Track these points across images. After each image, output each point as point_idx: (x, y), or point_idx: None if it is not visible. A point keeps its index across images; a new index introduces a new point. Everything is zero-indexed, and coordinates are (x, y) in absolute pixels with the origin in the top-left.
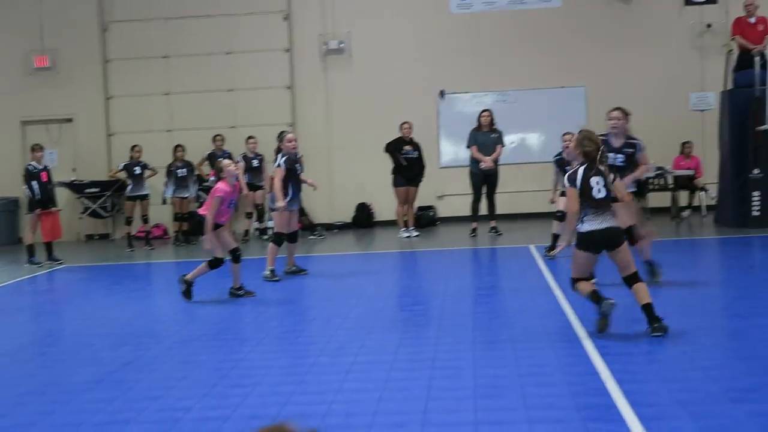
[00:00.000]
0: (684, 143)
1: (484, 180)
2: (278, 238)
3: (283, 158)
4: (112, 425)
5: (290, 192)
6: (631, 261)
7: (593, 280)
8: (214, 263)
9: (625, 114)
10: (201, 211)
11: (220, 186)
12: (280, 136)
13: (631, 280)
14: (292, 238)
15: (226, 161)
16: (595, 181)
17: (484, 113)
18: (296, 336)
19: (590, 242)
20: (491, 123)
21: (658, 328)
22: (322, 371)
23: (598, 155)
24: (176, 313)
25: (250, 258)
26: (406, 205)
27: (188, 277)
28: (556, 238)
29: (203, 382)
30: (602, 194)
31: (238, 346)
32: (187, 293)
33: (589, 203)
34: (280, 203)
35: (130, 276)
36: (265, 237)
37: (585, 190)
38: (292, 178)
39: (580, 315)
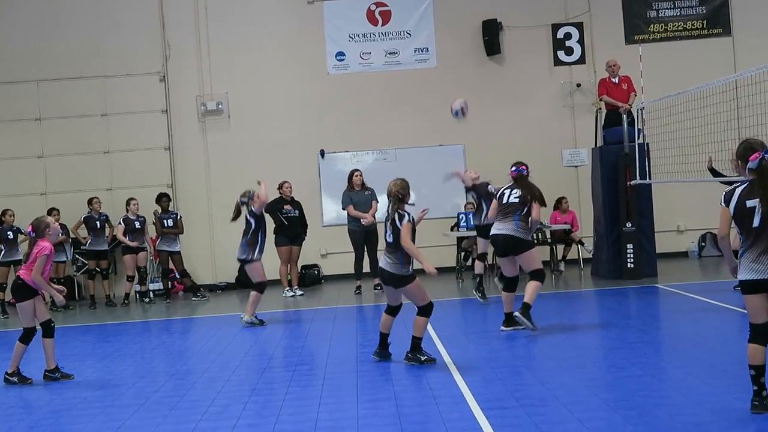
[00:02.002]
0: (560, 198)
1: (365, 238)
2: (262, 286)
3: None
4: None
5: (260, 240)
6: (415, 300)
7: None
8: (27, 336)
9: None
10: (23, 274)
11: (46, 244)
12: (249, 195)
13: (391, 311)
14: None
15: (51, 218)
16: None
17: (356, 173)
18: (177, 400)
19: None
20: (363, 182)
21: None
22: None
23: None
24: (51, 382)
25: (132, 321)
26: (289, 264)
27: (10, 371)
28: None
29: None
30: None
31: (116, 413)
32: (22, 379)
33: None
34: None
35: (3, 344)
36: (146, 300)
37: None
38: (262, 229)
39: (461, 369)
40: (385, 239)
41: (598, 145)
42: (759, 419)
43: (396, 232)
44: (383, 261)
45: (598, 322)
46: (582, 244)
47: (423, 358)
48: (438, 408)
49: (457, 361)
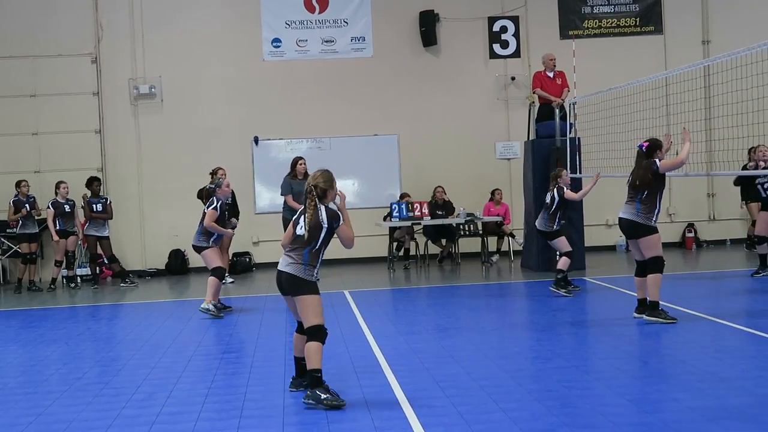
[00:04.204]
0: (493, 190)
1: None
2: (219, 272)
3: (219, 202)
4: None
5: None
6: (307, 316)
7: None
8: None
9: None
10: None
11: None
12: (217, 183)
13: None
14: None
15: None
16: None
17: (300, 161)
18: (101, 387)
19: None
20: (306, 171)
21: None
22: (126, 423)
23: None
24: None
25: (58, 307)
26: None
27: None
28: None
29: None
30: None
31: (38, 399)
32: None
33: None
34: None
35: None
36: (73, 285)
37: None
38: (219, 220)
39: (390, 360)
40: (295, 232)
41: (530, 139)
42: (671, 410)
43: (330, 233)
44: (282, 261)
45: (526, 313)
46: (513, 236)
47: (325, 399)
48: (365, 399)
49: (385, 351)
